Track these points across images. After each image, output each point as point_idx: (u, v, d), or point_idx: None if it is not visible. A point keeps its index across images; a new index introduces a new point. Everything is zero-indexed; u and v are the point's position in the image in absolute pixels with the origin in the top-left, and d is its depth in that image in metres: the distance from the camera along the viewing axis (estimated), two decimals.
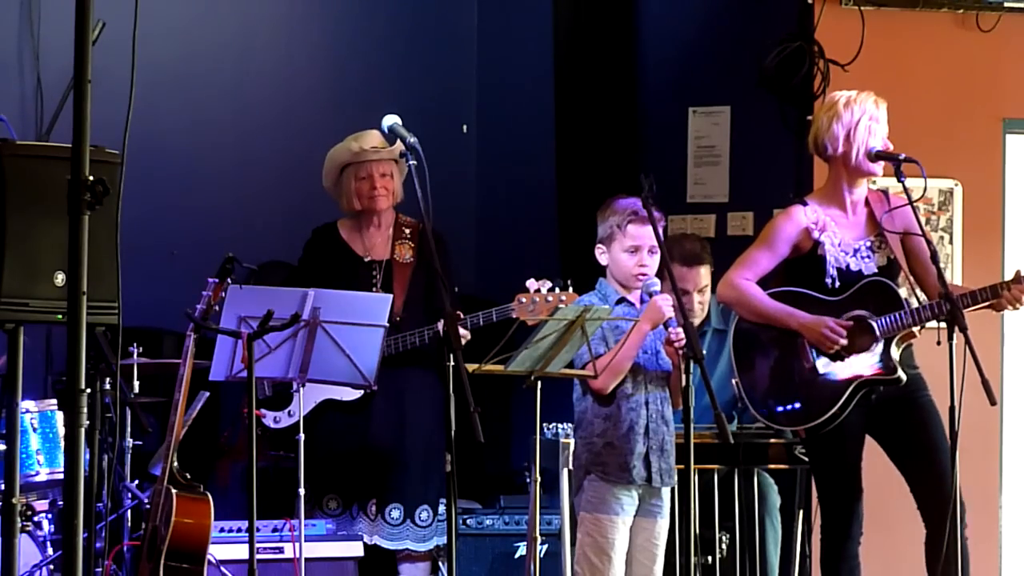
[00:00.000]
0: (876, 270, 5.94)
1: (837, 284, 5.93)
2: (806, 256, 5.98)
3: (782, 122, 7.31)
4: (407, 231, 6.88)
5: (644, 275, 5.67)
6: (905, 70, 7.21)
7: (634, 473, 5.65)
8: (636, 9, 7.94)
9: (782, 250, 6.01)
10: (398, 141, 5.53)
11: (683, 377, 5.33)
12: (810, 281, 5.96)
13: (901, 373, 5.87)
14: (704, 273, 6.61)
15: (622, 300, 5.73)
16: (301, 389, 6.11)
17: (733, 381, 6.10)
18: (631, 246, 5.68)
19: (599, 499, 5.66)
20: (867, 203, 6.01)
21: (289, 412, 6.67)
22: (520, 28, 8.42)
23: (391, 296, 6.24)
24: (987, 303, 5.80)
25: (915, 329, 5.87)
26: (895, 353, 5.88)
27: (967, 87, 7.33)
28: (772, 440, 6.32)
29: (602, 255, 5.76)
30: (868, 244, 5.96)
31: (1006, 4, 7.29)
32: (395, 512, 6.72)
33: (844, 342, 5.86)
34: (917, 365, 5.98)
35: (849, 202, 6.00)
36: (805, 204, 6.01)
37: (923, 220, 6.05)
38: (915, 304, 5.92)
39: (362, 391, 6.52)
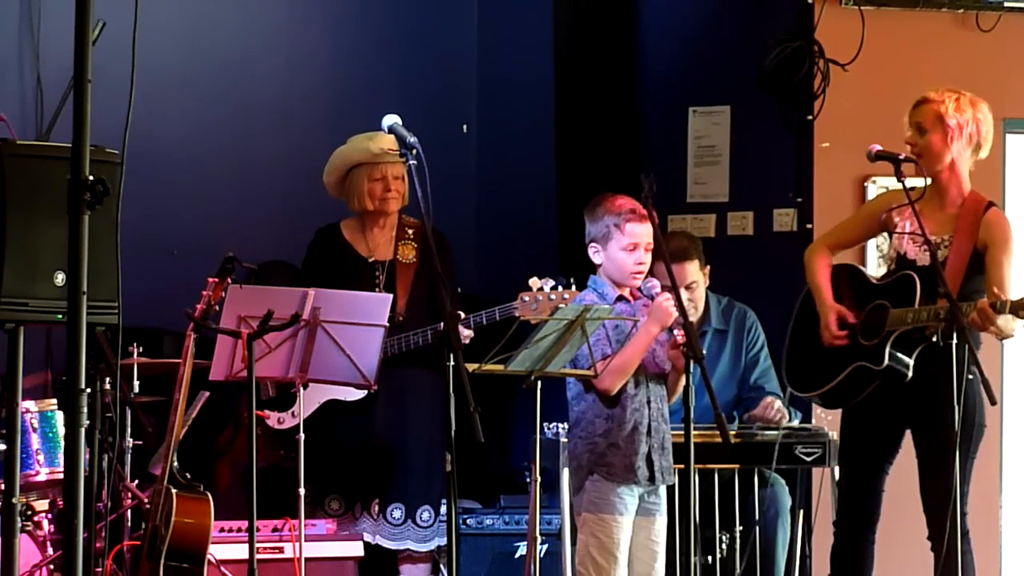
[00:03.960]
0: (926, 264, 5.89)
1: (893, 266, 5.99)
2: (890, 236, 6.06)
3: (782, 122, 7.31)
4: (410, 231, 6.89)
5: (641, 272, 5.68)
6: (905, 70, 7.21)
7: (639, 473, 5.64)
8: (636, 9, 7.94)
9: (867, 224, 6.15)
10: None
11: (683, 376, 5.33)
12: (887, 261, 6.08)
13: (894, 365, 5.82)
14: (691, 269, 6.58)
15: (620, 298, 5.73)
16: (302, 389, 6.11)
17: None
18: (630, 244, 5.67)
19: (603, 499, 5.65)
20: (963, 204, 5.95)
21: (292, 413, 6.67)
22: (520, 28, 8.41)
23: (391, 296, 6.25)
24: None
25: (929, 334, 5.79)
26: (893, 349, 5.84)
27: (967, 87, 7.29)
28: (772, 440, 6.32)
29: (596, 253, 5.74)
30: (939, 240, 5.91)
31: (1006, 4, 7.30)
32: (396, 512, 6.73)
33: (838, 343, 5.88)
34: (972, 372, 5.77)
35: (946, 197, 5.97)
36: (909, 190, 6.01)
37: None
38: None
39: (364, 391, 6.52)
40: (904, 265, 5.94)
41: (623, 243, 5.67)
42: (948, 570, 5.73)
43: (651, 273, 5.76)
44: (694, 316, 6.62)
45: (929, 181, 5.88)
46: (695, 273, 6.59)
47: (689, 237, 6.75)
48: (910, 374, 5.83)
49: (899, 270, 5.94)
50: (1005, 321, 5.66)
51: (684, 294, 6.49)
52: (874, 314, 5.89)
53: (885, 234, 6.17)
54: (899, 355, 5.83)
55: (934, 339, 5.74)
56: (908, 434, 5.98)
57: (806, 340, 6.11)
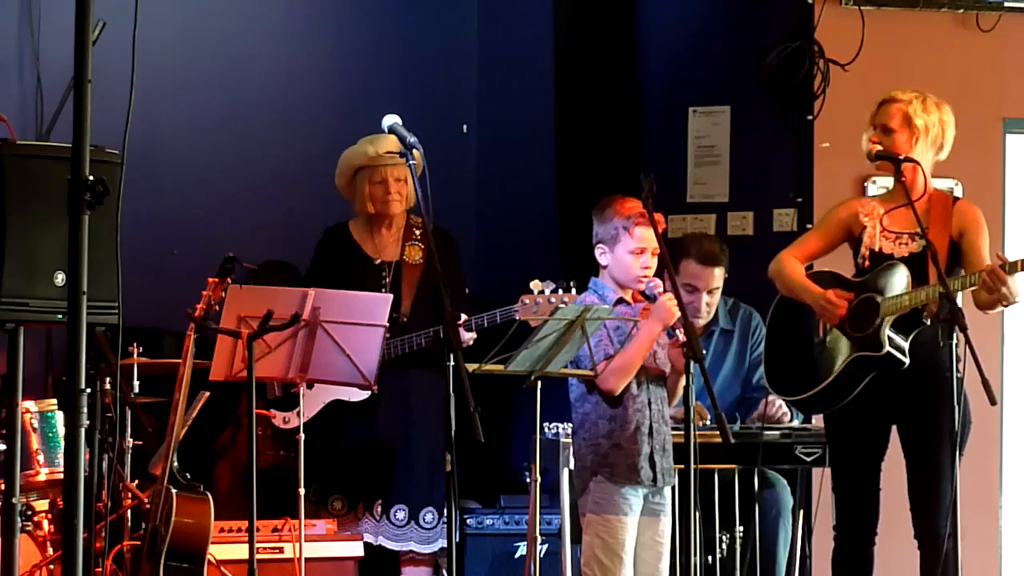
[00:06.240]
0: (907, 255, 5.91)
1: (867, 263, 5.95)
2: (855, 241, 6.03)
3: (782, 122, 7.31)
4: (417, 232, 6.90)
5: (646, 277, 5.67)
6: (905, 70, 7.21)
7: (642, 474, 5.64)
8: (636, 9, 7.94)
9: (832, 232, 6.10)
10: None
11: (684, 377, 5.33)
12: (854, 263, 6.02)
13: (893, 352, 5.82)
14: (718, 275, 6.60)
15: (620, 300, 5.72)
16: (303, 388, 6.11)
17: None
18: (637, 248, 5.66)
19: (607, 500, 5.65)
20: (930, 199, 5.98)
21: (298, 413, 6.68)
22: (520, 28, 8.41)
23: (391, 296, 6.25)
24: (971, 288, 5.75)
25: (925, 317, 5.81)
26: (891, 333, 5.83)
27: (967, 87, 7.33)
28: (772, 440, 6.32)
29: (602, 255, 5.74)
30: (911, 233, 5.93)
31: (1006, 4, 7.30)
32: (400, 513, 6.73)
33: (841, 312, 5.86)
34: (958, 369, 5.82)
35: (911, 195, 5.98)
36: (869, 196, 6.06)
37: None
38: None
39: (368, 392, 6.52)
40: (881, 259, 5.94)
41: (631, 246, 5.67)
42: (934, 569, 5.75)
43: (658, 275, 5.76)
44: (706, 319, 6.64)
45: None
46: (719, 280, 6.61)
47: (720, 244, 6.75)
48: (907, 360, 5.82)
49: (877, 263, 5.95)
50: (1013, 283, 5.68)
51: (704, 297, 6.53)
52: (862, 306, 5.89)
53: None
54: (897, 339, 5.82)
55: (928, 322, 5.79)
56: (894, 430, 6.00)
57: (787, 346, 6.11)
